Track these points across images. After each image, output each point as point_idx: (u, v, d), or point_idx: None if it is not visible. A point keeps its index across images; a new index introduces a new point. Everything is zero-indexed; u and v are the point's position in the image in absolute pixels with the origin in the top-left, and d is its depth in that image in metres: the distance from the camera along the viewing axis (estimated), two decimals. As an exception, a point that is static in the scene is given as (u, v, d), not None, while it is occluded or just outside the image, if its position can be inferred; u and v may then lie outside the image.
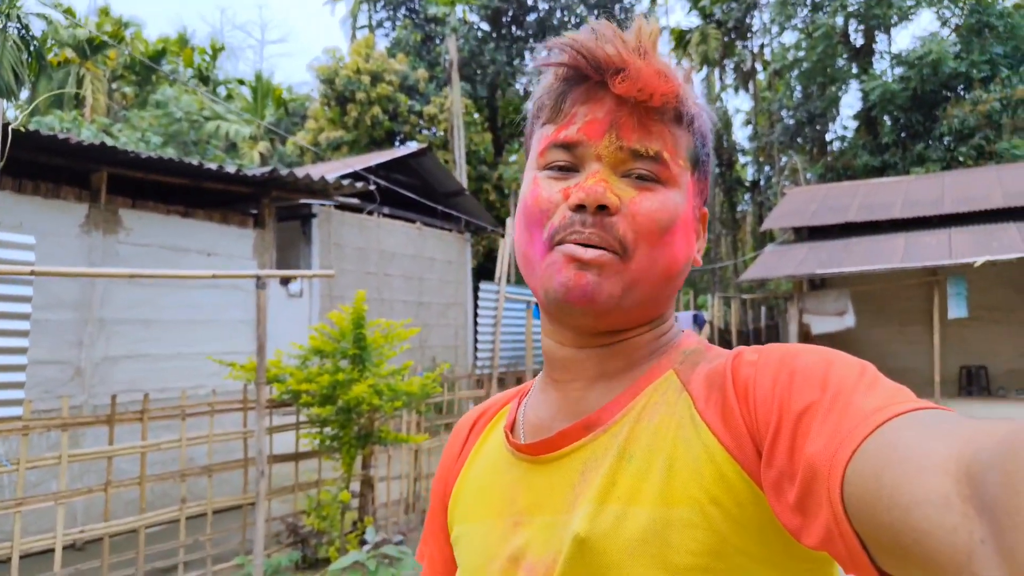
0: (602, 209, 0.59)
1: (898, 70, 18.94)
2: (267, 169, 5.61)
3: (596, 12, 19.54)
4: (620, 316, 0.62)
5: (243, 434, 4.47)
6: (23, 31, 20.84)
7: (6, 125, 3.36)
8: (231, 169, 5.24)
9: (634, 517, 0.56)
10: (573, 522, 0.58)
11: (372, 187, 7.68)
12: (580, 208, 0.60)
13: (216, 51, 27.46)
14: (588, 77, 0.61)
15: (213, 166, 5.12)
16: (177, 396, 4.94)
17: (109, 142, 6.88)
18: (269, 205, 5.89)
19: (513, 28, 20.84)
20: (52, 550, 3.51)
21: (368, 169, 10.38)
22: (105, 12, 25.17)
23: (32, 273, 3.06)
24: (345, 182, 6.68)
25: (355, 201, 8.21)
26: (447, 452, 0.80)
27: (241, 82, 28.00)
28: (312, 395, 4.41)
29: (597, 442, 0.61)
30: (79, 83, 22.23)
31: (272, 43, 41.08)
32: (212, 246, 5.47)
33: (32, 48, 20.65)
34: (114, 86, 24.88)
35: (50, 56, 21.39)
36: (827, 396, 0.49)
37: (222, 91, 27.98)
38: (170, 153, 18.42)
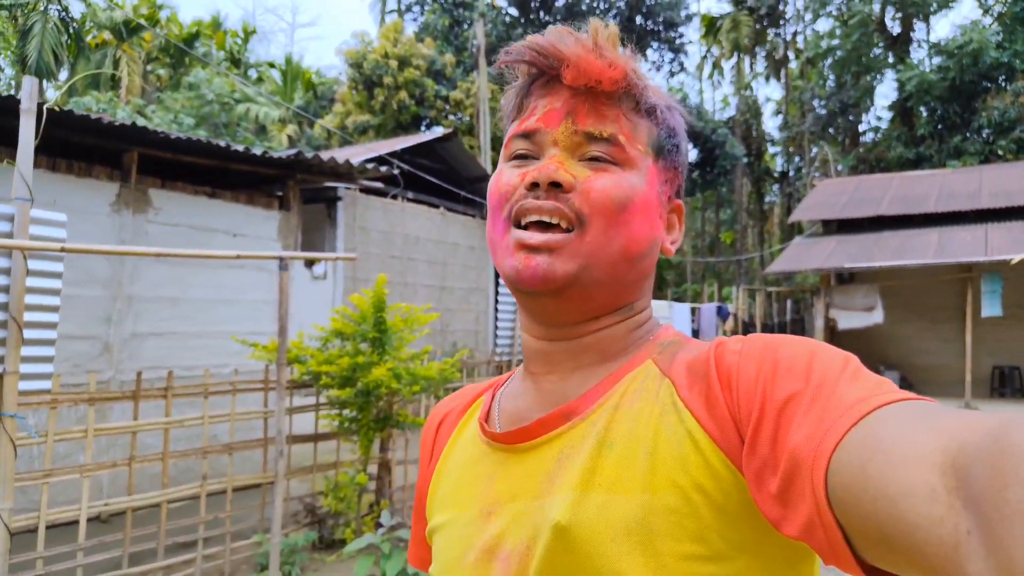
0: (556, 187, 0.61)
1: (936, 60, 18.49)
2: (293, 151, 5.64)
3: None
4: (581, 296, 0.62)
5: (263, 414, 4.53)
6: (63, 13, 21.22)
7: (41, 104, 3.41)
8: (257, 151, 5.28)
9: (617, 505, 0.55)
10: (551, 509, 0.58)
11: (395, 171, 7.67)
12: (534, 186, 0.61)
13: (248, 34, 27.68)
14: (545, 73, 0.64)
15: (240, 147, 5.17)
16: (201, 374, 5.03)
17: (142, 123, 6.99)
18: (294, 187, 5.94)
19: (541, 13, 20.68)
20: (77, 521, 3.61)
21: (393, 153, 10.43)
22: (140, -7, 25.45)
23: (63, 250, 3.11)
24: (370, 166, 6.71)
25: (379, 185, 8.23)
26: (424, 438, 0.80)
27: (272, 65, 28.21)
28: (332, 377, 4.46)
29: (575, 430, 0.61)
30: (116, 65, 22.56)
31: (303, 26, 41.20)
32: (238, 227, 5.54)
33: (71, 30, 21.08)
34: (149, 68, 25.20)
35: (88, 38, 21.73)
36: (810, 386, 0.49)
37: (252, 74, 28.22)
38: (201, 134, 18.65)
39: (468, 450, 0.71)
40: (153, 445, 4.66)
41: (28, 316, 3.37)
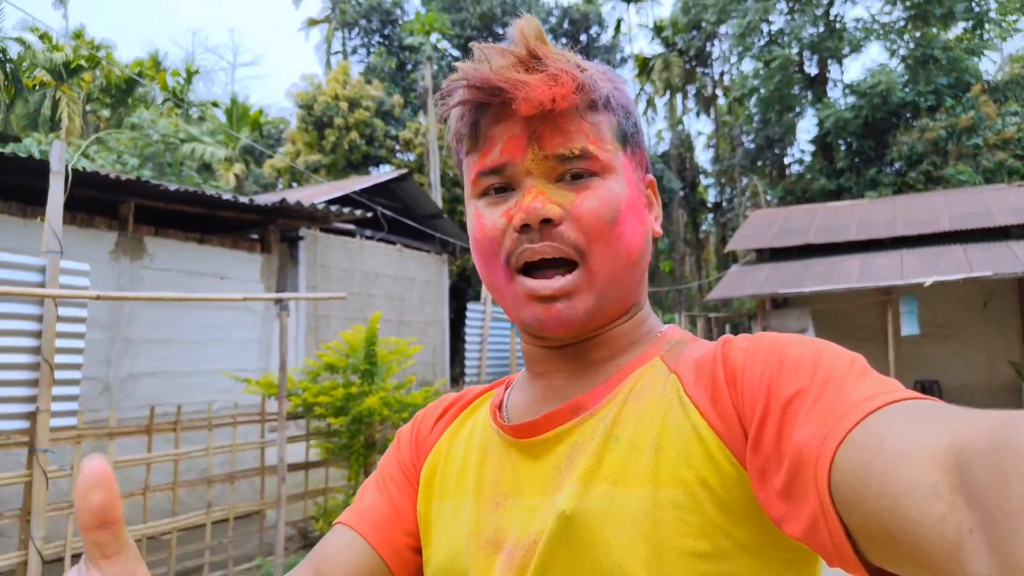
0: (547, 223, 0.60)
1: (851, 99, 20.05)
2: (276, 199, 6.04)
3: (564, 42, 20.34)
4: (599, 318, 0.63)
5: (260, 444, 4.86)
6: (1, 55, 20.83)
7: (67, 165, 3.78)
8: (244, 199, 5.66)
9: (622, 497, 0.56)
10: (558, 501, 0.58)
11: (369, 214, 8.11)
12: (525, 227, 0.60)
13: (191, 74, 27.63)
14: (491, 103, 0.61)
15: (229, 196, 5.55)
16: (191, 410, 5.30)
17: (86, 164, 7.19)
18: (275, 231, 6.33)
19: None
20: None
21: (357, 192, 10.82)
22: (79, 35, 25.24)
23: (98, 298, 3.46)
24: (334, 208, 7.13)
25: (351, 227, 8.63)
26: (422, 420, 0.78)
27: (215, 104, 28.17)
28: (325, 407, 4.83)
29: (584, 425, 0.61)
30: (55, 106, 22.24)
31: (243, 65, 41.33)
32: (224, 270, 5.87)
33: (7, 71, 20.64)
34: (89, 108, 24.88)
35: (25, 79, 21.40)
36: (816, 384, 0.50)
37: (195, 112, 28.12)
38: (147, 174, 18.59)
39: (475, 439, 0.70)
40: (155, 478, 4.90)
41: (57, 359, 3.68)
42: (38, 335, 3.63)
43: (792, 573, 0.55)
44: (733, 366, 0.56)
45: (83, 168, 3.78)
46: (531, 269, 0.61)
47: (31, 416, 3.58)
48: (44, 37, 23.29)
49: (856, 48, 20.61)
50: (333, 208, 6.52)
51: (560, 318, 0.60)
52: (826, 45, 20.03)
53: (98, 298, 3.41)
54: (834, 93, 22.02)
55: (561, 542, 0.56)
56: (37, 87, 22.53)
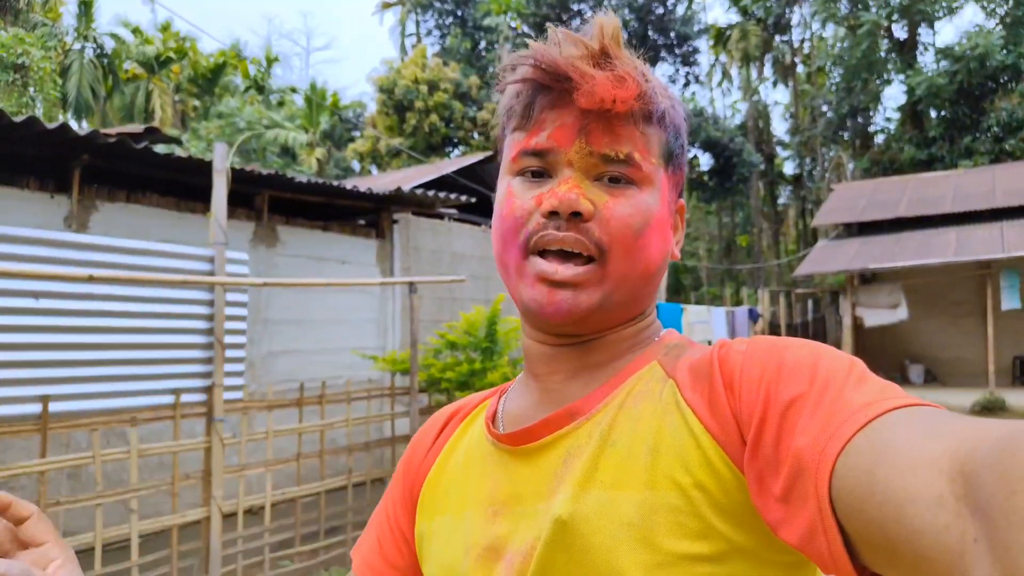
0: (576, 216, 0.60)
1: (943, 63, 19.11)
2: (392, 188, 6.39)
3: (638, 14, 20.08)
4: (601, 319, 0.63)
5: (392, 415, 5.23)
6: (98, 51, 21.99)
7: (232, 168, 4.14)
8: (363, 188, 6.01)
9: (617, 501, 0.56)
10: (554, 506, 0.58)
11: (474, 199, 8.41)
12: (553, 214, 0.60)
13: (271, 62, 28.60)
14: (552, 86, 0.61)
15: (350, 186, 5.91)
16: (316, 385, 5.73)
17: (180, 152, 7.73)
18: (387, 217, 6.69)
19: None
20: (263, 507, 4.31)
21: (442, 176, 11.15)
22: (166, 28, 26.45)
23: (264, 284, 3.84)
24: (430, 192, 7.44)
25: (454, 211, 8.98)
26: (418, 442, 0.78)
27: (294, 90, 29.12)
28: (451, 382, 5.16)
29: (580, 430, 0.61)
30: (148, 97, 23.49)
31: (317, 50, 42.47)
32: (344, 255, 6.28)
33: (105, 65, 21.76)
34: (177, 98, 26.15)
35: (120, 72, 22.67)
36: (815, 389, 0.49)
37: (274, 99, 29.12)
38: (236, 161, 19.47)
39: (472, 451, 0.70)
40: (287, 448, 5.35)
41: (226, 339, 4.09)
42: (210, 318, 4.04)
43: (790, 575, 0.55)
44: (731, 370, 0.56)
45: (236, 167, 4.16)
46: (546, 255, 0.61)
47: (207, 390, 4.01)
48: (136, 31, 24.54)
49: (951, 10, 19.57)
50: (430, 193, 6.82)
51: (560, 306, 0.60)
52: (918, 8, 19.09)
53: (264, 284, 3.79)
54: (924, 58, 21.02)
55: (558, 547, 0.57)
56: (130, 80, 23.82)
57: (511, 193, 0.63)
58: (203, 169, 4.52)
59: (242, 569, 4.15)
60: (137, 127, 5.28)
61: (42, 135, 3.95)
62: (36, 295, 3.43)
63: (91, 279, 3.13)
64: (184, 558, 4.01)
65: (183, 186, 5.13)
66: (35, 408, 3.40)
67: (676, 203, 0.69)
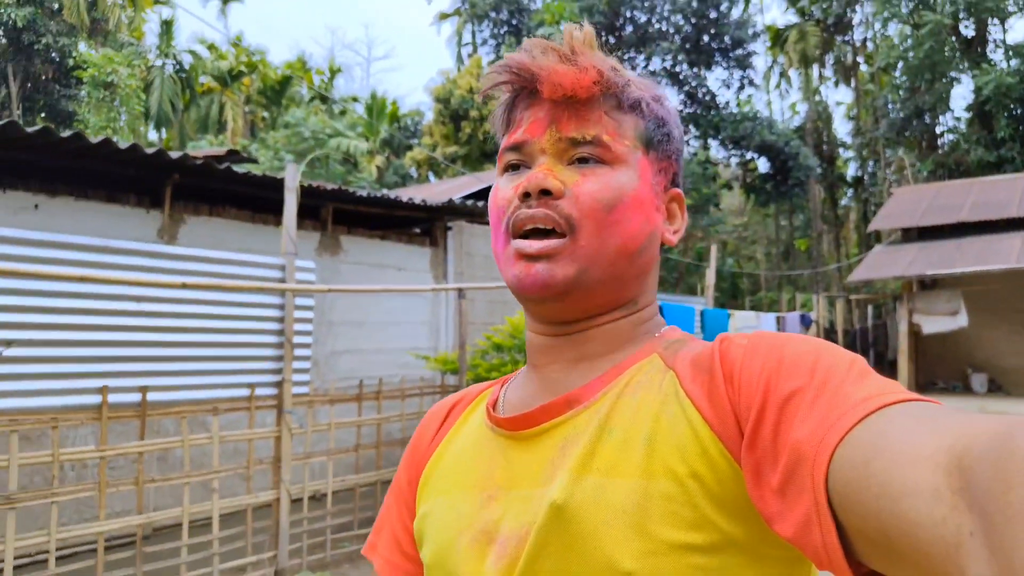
0: (547, 194, 0.63)
1: (1014, 62, 18.45)
2: (445, 199, 6.84)
3: (691, 20, 20.09)
4: (584, 296, 0.64)
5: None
6: (177, 66, 23.30)
7: (303, 185, 4.61)
8: (418, 200, 6.47)
9: (613, 489, 0.56)
10: (549, 492, 0.59)
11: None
12: (526, 196, 0.63)
13: (334, 72, 29.73)
14: (526, 88, 0.66)
15: (405, 198, 6.37)
16: (375, 382, 6.21)
17: (249, 165, 8.35)
18: (440, 226, 7.15)
19: (610, 38, 21.68)
20: (326, 494, 4.78)
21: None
22: (237, 42, 27.82)
23: (329, 291, 4.32)
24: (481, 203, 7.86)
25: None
26: (420, 433, 0.80)
27: (355, 99, 30.20)
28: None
29: (579, 418, 0.62)
30: (221, 109, 24.83)
31: (378, 59, 43.73)
32: (401, 262, 6.77)
33: (183, 79, 23.04)
34: (247, 109, 27.49)
35: (197, 86, 24.04)
36: (815, 382, 0.50)
37: (336, 108, 30.23)
38: (302, 170, 20.36)
39: (472, 436, 0.72)
40: (347, 440, 5.83)
41: (295, 339, 4.57)
42: (281, 320, 4.53)
43: (784, 570, 0.56)
44: (731, 363, 0.57)
45: (304, 184, 4.64)
46: (526, 237, 0.64)
47: (278, 384, 4.49)
48: (212, 48, 25.95)
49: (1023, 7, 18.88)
50: (479, 204, 7.24)
51: (537, 278, 0.62)
52: (986, 5, 18.50)
53: (329, 291, 4.25)
54: (995, 56, 20.31)
55: (552, 533, 0.57)
56: (204, 93, 25.21)
57: (497, 187, 0.69)
58: (275, 185, 5.04)
59: (307, 547, 4.62)
60: (220, 150, 5.85)
61: (142, 158, 4.52)
62: (137, 299, 3.96)
63: (184, 286, 3.63)
64: (256, 535, 4.49)
65: (256, 200, 5.68)
66: (135, 397, 3.94)
67: (669, 191, 0.71)
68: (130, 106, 16.78)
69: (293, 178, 4.53)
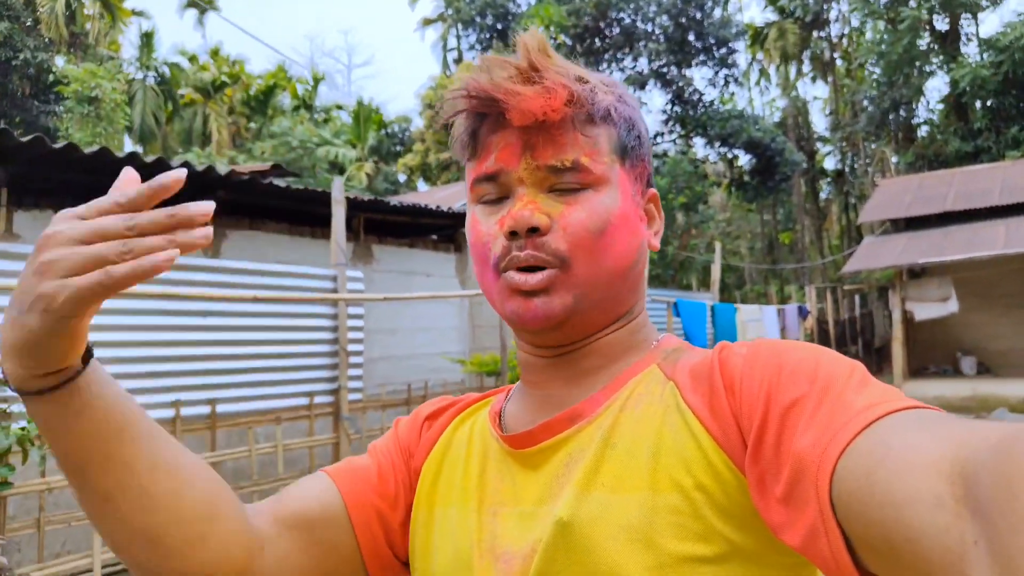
0: (535, 231, 0.61)
1: (988, 55, 18.97)
2: (459, 204, 6.98)
3: (676, 20, 20.39)
4: (583, 320, 0.64)
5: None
6: (159, 79, 23.24)
7: (349, 199, 4.73)
8: (444, 208, 6.62)
9: (619, 503, 0.56)
10: (555, 509, 0.59)
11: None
12: (513, 234, 0.62)
13: (317, 80, 29.65)
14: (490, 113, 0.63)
15: (433, 206, 6.51)
16: (401, 388, 6.34)
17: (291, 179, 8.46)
18: (463, 232, 7.31)
19: (596, 41, 21.91)
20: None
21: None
22: (215, 52, 27.66)
23: (385, 299, 4.44)
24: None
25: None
26: (420, 413, 0.79)
27: (339, 107, 30.14)
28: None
29: (582, 433, 0.62)
30: (204, 121, 24.68)
31: (358, 67, 43.65)
32: (428, 269, 6.92)
33: (165, 92, 22.95)
34: (231, 119, 27.34)
35: (179, 99, 23.89)
36: (815, 391, 0.50)
37: (320, 116, 30.13)
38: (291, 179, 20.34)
39: (474, 445, 0.71)
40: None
41: (348, 347, 4.69)
42: (334, 329, 4.65)
43: None
44: (731, 373, 0.56)
45: (352, 198, 4.78)
46: (518, 270, 0.62)
47: (334, 392, 4.61)
48: (192, 59, 25.79)
49: (995, 1, 19.44)
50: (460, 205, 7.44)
51: (536, 313, 0.61)
52: (960, 1, 19.02)
53: (385, 299, 4.38)
54: (968, 50, 20.88)
55: (559, 549, 0.57)
56: (187, 105, 25.05)
57: (476, 220, 0.66)
58: (313, 198, 5.16)
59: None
60: (264, 164, 5.94)
61: (191, 176, 4.60)
62: (204, 314, 4.07)
63: (256, 299, 3.75)
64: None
65: (293, 213, 5.79)
66: (205, 410, 4.04)
67: (646, 193, 0.70)
68: (115, 121, 16.67)
69: (340, 191, 4.66)
